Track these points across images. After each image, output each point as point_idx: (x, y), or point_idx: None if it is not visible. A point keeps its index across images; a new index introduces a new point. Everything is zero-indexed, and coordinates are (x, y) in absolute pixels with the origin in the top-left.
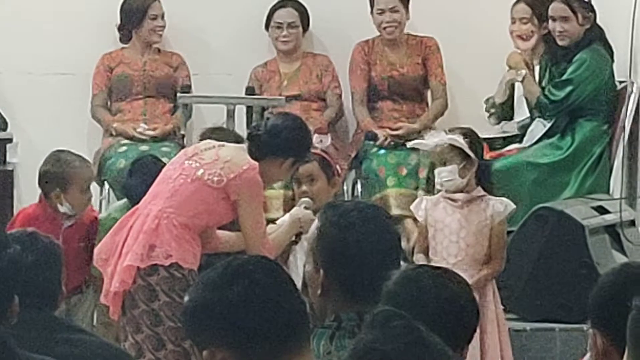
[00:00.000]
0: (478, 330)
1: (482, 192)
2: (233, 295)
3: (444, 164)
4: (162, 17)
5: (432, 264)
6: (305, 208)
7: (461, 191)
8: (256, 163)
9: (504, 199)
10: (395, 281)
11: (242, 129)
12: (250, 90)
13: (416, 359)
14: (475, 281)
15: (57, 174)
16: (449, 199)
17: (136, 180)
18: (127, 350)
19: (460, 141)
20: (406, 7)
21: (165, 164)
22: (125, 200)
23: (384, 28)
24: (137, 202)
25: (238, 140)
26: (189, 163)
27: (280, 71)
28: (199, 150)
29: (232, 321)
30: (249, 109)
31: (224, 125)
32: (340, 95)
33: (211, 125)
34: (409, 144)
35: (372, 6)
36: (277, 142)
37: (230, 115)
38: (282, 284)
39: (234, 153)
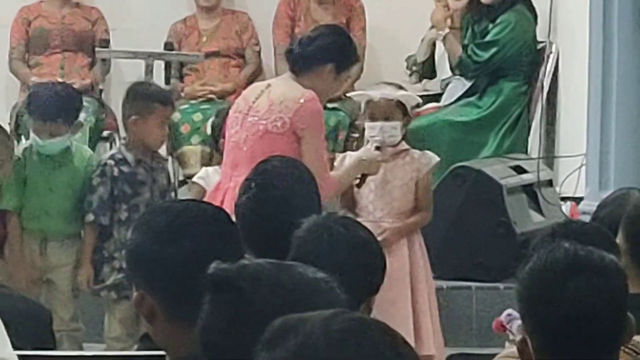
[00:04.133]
0: (409, 280)
1: (407, 146)
2: (173, 250)
3: (387, 119)
4: None
5: (359, 219)
6: (377, 148)
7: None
8: (310, 91)
9: (428, 152)
10: (306, 229)
11: (160, 85)
12: (168, 46)
13: None
14: (402, 227)
15: None
16: None
17: None
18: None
19: (407, 98)
20: None
21: None
22: None
23: None
24: None
25: (167, 95)
26: (250, 120)
27: (199, 27)
28: (250, 102)
29: (168, 273)
30: (167, 64)
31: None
32: (259, 52)
33: (133, 80)
34: (352, 94)
35: None
36: (312, 50)
37: (149, 70)
38: (227, 243)
39: (284, 89)
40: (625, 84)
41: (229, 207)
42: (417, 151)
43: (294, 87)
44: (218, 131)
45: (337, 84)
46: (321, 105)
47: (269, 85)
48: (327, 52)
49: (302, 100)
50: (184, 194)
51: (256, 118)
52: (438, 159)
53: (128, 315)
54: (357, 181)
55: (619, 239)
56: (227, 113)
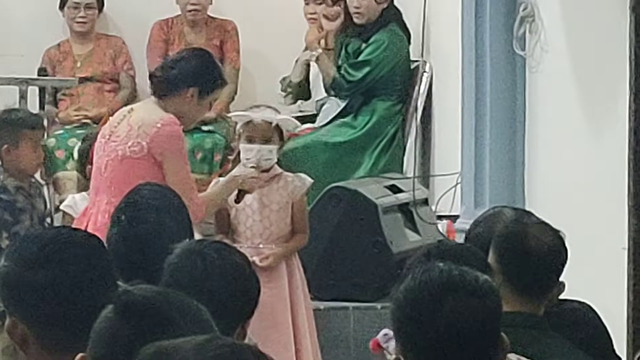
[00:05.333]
0: (289, 303)
1: (280, 170)
2: (43, 276)
3: (265, 142)
4: None
5: (237, 245)
6: (253, 167)
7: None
8: (169, 115)
9: (301, 174)
10: (178, 254)
11: (35, 111)
12: (42, 71)
13: None
14: (283, 251)
15: None
16: None
17: None
18: None
19: (286, 122)
20: None
21: None
22: None
23: (188, 10)
24: None
25: (36, 119)
26: (111, 145)
27: (73, 52)
28: (112, 127)
29: (38, 299)
30: (42, 90)
31: (18, 106)
32: (133, 77)
33: (4, 107)
34: (233, 115)
35: None
36: (174, 73)
37: (23, 96)
38: (99, 269)
39: (144, 114)
40: (498, 102)
41: (92, 229)
42: (291, 174)
43: (153, 111)
44: (85, 157)
45: (202, 107)
46: (180, 127)
47: (132, 109)
48: (189, 75)
49: (159, 125)
50: (60, 219)
51: (116, 143)
52: (311, 180)
53: (10, 343)
54: (236, 197)
55: (490, 258)
56: (95, 138)
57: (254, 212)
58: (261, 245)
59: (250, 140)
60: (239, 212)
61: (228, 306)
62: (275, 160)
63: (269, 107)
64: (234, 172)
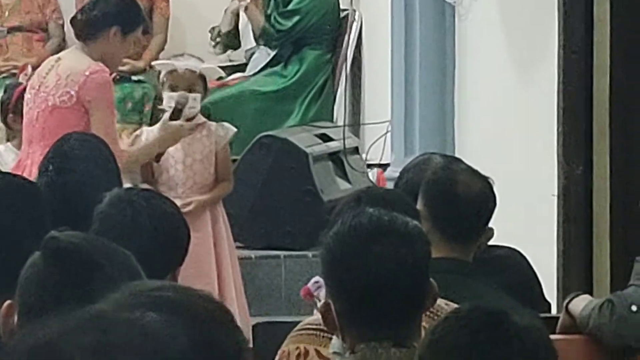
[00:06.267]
0: (213, 252)
1: (203, 119)
2: None
3: (189, 91)
4: None
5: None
6: (172, 115)
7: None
8: (97, 63)
9: (224, 123)
10: (108, 203)
11: None
12: None
13: None
14: (206, 199)
15: None
16: None
17: None
18: None
19: (210, 71)
20: None
21: None
22: None
23: None
24: None
25: None
26: (41, 96)
27: (1, 2)
28: (41, 78)
29: None
30: None
31: None
32: (62, 26)
33: None
34: (156, 63)
35: None
36: (95, 15)
37: None
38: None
39: (72, 63)
40: (428, 51)
41: None
42: (214, 123)
43: (81, 60)
44: (6, 107)
45: (126, 47)
46: (108, 74)
47: (59, 58)
48: (110, 15)
49: (87, 73)
50: None
51: (46, 93)
52: (235, 129)
53: None
54: (159, 163)
55: (419, 204)
56: (16, 88)
57: (177, 161)
58: (184, 195)
59: (173, 89)
60: (163, 161)
61: (158, 254)
62: (199, 108)
63: (193, 56)
64: (162, 132)
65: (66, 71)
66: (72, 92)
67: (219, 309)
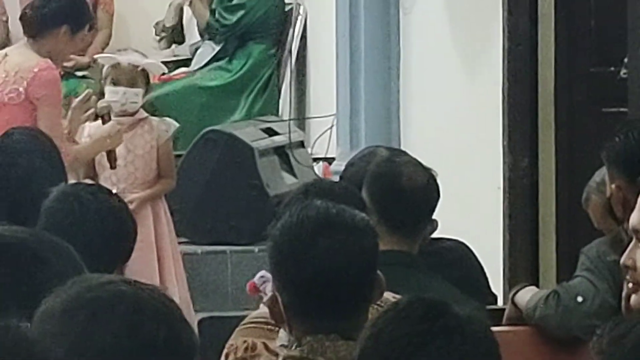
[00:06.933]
0: (155, 249)
1: (145, 114)
2: None
3: (131, 85)
4: None
5: None
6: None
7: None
8: (45, 60)
9: (166, 118)
10: (55, 198)
11: None
12: None
13: None
14: (148, 195)
15: None
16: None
17: None
18: None
19: (153, 66)
20: None
21: None
22: None
23: None
24: None
25: None
26: None
27: None
28: None
29: None
30: None
31: None
32: (6, 21)
33: None
34: (98, 56)
35: None
36: (46, 12)
37: None
38: None
39: (20, 59)
40: (372, 44)
41: None
42: (156, 118)
43: (29, 56)
44: None
45: (73, 45)
46: (57, 71)
47: (6, 54)
48: (61, 13)
49: (36, 70)
50: None
51: None
52: (177, 124)
53: None
54: (108, 163)
55: (364, 197)
56: None
57: (119, 156)
58: (126, 191)
59: (115, 83)
60: (103, 157)
61: (105, 248)
62: (141, 104)
63: (136, 51)
64: (102, 132)
65: (14, 68)
66: (21, 89)
67: (169, 304)
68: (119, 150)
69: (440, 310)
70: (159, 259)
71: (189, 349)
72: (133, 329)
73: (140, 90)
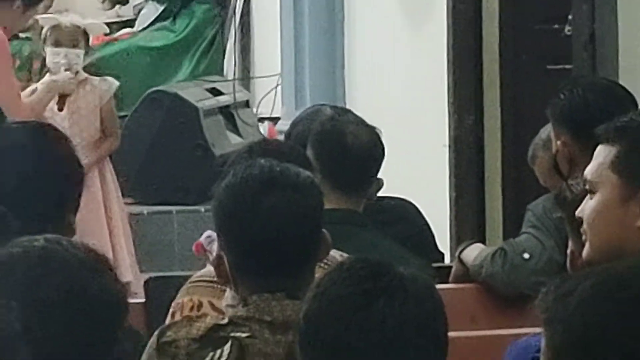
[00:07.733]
0: (103, 209)
1: (85, 75)
2: None
3: (73, 46)
4: None
5: None
6: (66, 70)
7: None
8: None
9: (107, 77)
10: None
11: None
12: None
13: None
14: (95, 157)
15: None
16: None
17: None
18: None
19: (95, 27)
20: None
21: None
22: None
23: None
24: None
25: None
26: None
27: None
28: None
29: None
30: None
31: None
32: None
33: None
34: (40, 17)
35: None
36: None
37: None
38: None
39: None
40: (316, 2)
41: None
42: (97, 78)
43: None
44: None
45: (24, 20)
46: (5, 37)
47: None
48: None
49: None
50: None
51: None
52: (118, 83)
53: None
54: (58, 105)
55: (309, 156)
56: None
57: (64, 118)
58: None
59: (57, 44)
60: (49, 121)
61: (52, 192)
62: (82, 64)
63: (76, 13)
64: (53, 77)
65: None
66: None
67: (94, 257)
68: (64, 113)
69: (384, 269)
70: (107, 220)
71: (117, 302)
72: (38, 280)
73: (82, 51)
